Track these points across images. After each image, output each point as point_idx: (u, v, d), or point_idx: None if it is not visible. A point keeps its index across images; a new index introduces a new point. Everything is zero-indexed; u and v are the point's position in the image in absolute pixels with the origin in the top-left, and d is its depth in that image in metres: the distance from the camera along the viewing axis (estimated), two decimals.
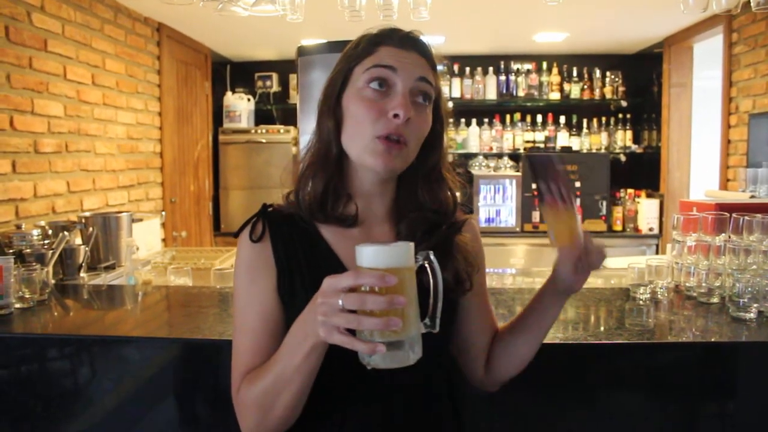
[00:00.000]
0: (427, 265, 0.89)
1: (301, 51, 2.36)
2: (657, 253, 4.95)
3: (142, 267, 2.51)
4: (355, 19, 2.02)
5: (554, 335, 1.58)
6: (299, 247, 1.07)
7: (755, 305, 1.65)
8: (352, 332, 0.83)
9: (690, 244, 1.90)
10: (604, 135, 5.43)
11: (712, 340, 1.57)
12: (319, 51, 2.25)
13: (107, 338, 1.67)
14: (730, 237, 1.88)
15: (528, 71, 5.49)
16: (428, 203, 1.10)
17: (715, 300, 1.82)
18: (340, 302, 0.81)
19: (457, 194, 1.14)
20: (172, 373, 1.69)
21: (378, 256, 0.85)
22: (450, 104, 5.39)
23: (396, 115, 0.99)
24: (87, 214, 2.82)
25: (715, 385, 1.59)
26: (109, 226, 2.71)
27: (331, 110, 1.07)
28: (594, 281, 2.63)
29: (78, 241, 2.62)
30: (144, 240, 3.12)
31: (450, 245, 1.09)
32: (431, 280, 0.89)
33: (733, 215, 1.88)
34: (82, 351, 1.67)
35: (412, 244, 0.87)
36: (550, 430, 1.58)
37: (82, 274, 2.46)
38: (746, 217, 1.83)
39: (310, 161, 1.09)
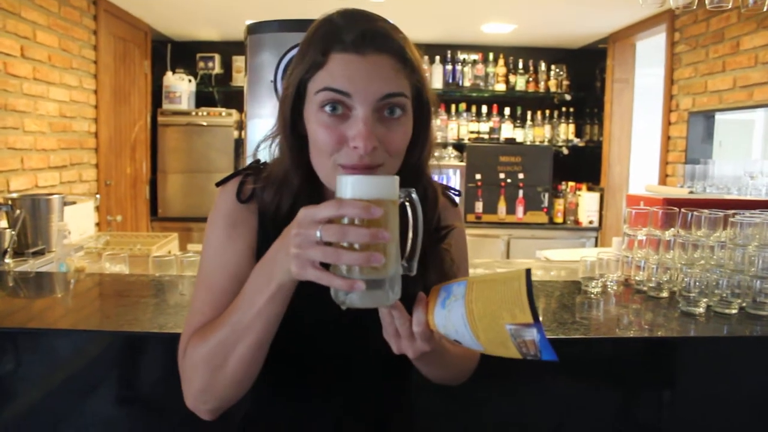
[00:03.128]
0: (407, 203, 0.82)
1: (251, 29, 2.24)
2: (596, 245, 5.06)
3: (74, 253, 2.37)
4: None
5: None
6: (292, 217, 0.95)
7: (704, 300, 1.67)
8: (326, 268, 0.76)
9: (641, 238, 1.91)
10: (547, 128, 5.50)
11: (659, 334, 1.57)
12: (270, 29, 2.14)
13: (34, 330, 1.55)
14: (678, 232, 1.90)
15: (474, 62, 5.49)
16: None
17: (665, 294, 1.83)
18: (318, 234, 0.74)
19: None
20: (107, 368, 1.59)
21: (362, 185, 0.77)
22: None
23: (356, 147, 0.86)
24: (14, 195, 2.64)
25: (663, 378, 1.60)
26: (39, 209, 2.54)
27: (287, 130, 0.96)
28: (544, 274, 2.63)
29: (3, 224, 2.45)
30: (76, 224, 2.95)
31: (435, 251, 1.02)
32: (411, 220, 0.82)
33: (682, 210, 1.90)
34: (6, 343, 1.54)
35: (397, 178, 0.80)
36: (503, 418, 1.57)
37: (7, 260, 2.30)
38: (695, 213, 1.85)
39: (275, 174, 0.99)
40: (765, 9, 1.82)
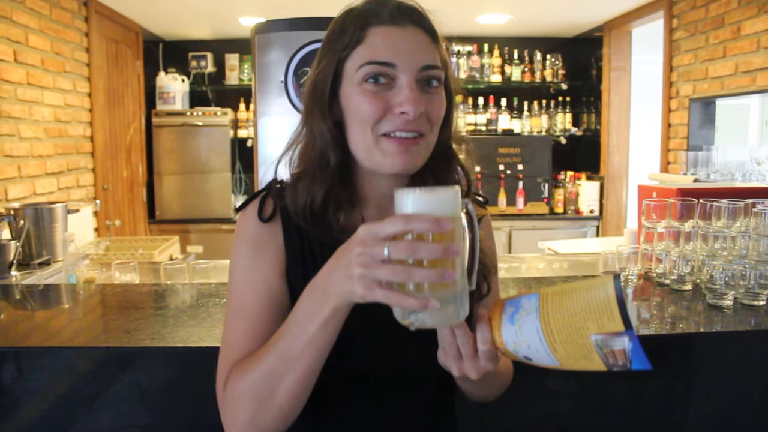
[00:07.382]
0: (464, 215, 0.77)
1: (258, 29, 2.20)
2: (597, 234, 5.05)
3: (81, 262, 2.32)
4: None
5: None
6: (324, 213, 0.95)
7: (731, 292, 1.65)
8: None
9: (661, 231, 1.89)
10: (544, 118, 5.47)
11: (682, 329, 1.55)
12: (279, 29, 2.11)
13: (52, 349, 1.50)
14: (697, 223, 1.88)
15: (469, 53, 5.45)
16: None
17: (688, 287, 1.81)
18: (386, 251, 0.69)
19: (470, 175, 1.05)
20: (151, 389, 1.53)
21: (427, 202, 0.72)
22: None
23: (404, 113, 0.87)
24: (16, 205, 2.58)
25: (699, 371, 1.58)
26: (42, 219, 2.48)
27: (324, 111, 0.93)
28: (546, 267, 2.61)
29: (5, 235, 2.40)
30: (76, 230, 2.90)
31: None
32: (468, 232, 0.78)
33: (701, 201, 1.88)
34: (25, 362, 1.49)
35: (458, 188, 0.75)
36: (536, 413, 1.55)
37: (13, 273, 2.25)
38: (715, 203, 1.83)
39: (303, 168, 0.96)
40: None
